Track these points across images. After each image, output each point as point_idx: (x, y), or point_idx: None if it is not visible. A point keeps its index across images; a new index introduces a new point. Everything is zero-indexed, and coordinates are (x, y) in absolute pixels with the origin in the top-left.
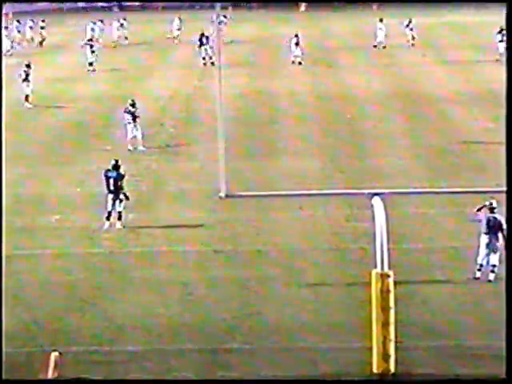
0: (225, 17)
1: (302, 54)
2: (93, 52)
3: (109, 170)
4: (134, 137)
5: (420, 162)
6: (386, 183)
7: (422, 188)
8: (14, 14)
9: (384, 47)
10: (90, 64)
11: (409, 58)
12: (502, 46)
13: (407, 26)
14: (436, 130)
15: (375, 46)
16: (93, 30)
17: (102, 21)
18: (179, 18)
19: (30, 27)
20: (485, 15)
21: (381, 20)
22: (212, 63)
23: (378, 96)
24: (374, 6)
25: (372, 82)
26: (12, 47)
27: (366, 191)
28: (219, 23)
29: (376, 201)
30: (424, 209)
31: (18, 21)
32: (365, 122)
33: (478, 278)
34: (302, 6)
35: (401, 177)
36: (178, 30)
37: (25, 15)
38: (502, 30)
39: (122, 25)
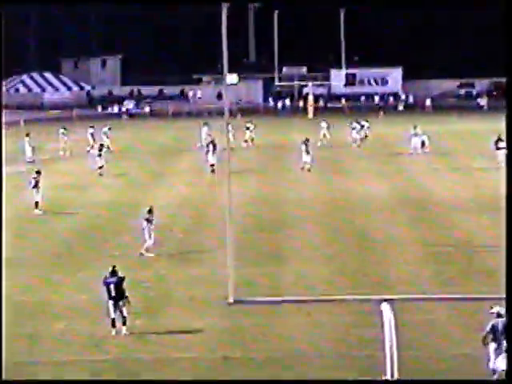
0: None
1: (312, 160)
2: (100, 156)
3: (107, 277)
4: (145, 242)
5: (429, 268)
6: (395, 289)
7: (430, 294)
8: (25, 121)
9: (418, 154)
10: (100, 167)
11: (417, 165)
12: (501, 154)
13: (415, 134)
14: (444, 237)
15: (411, 154)
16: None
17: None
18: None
19: (92, 134)
20: (489, 123)
21: (415, 127)
22: (212, 170)
23: (387, 202)
24: (380, 114)
25: (381, 189)
26: (34, 154)
27: (375, 297)
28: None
29: (385, 307)
30: (433, 315)
31: (92, 126)
32: (373, 229)
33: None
34: (310, 113)
35: (409, 283)
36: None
37: (36, 123)
38: (499, 139)
39: (247, 128)
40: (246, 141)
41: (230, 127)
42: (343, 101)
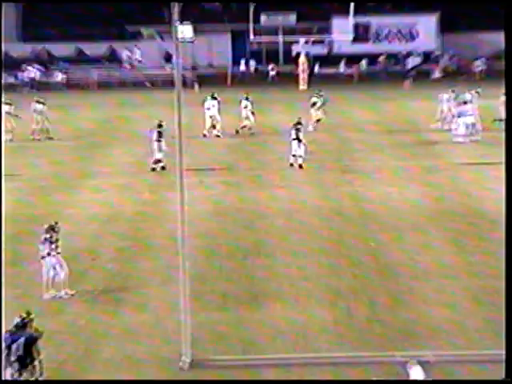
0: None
1: (305, 152)
2: None
3: (12, 333)
4: (53, 278)
5: (478, 312)
6: (431, 344)
7: (482, 350)
8: None
9: (462, 142)
10: None
11: (461, 160)
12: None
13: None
14: (497, 264)
15: (460, 141)
16: None
17: None
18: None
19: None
20: None
21: (456, 97)
22: (162, 167)
23: (417, 215)
24: (406, 84)
25: (406, 195)
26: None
27: (400, 355)
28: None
29: (415, 371)
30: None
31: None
32: (394, 253)
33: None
34: (303, 83)
35: (451, 335)
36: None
37: None
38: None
39: (313, 104)
40: (317, 120)
41: (247, 103)
42: (364, 63)
